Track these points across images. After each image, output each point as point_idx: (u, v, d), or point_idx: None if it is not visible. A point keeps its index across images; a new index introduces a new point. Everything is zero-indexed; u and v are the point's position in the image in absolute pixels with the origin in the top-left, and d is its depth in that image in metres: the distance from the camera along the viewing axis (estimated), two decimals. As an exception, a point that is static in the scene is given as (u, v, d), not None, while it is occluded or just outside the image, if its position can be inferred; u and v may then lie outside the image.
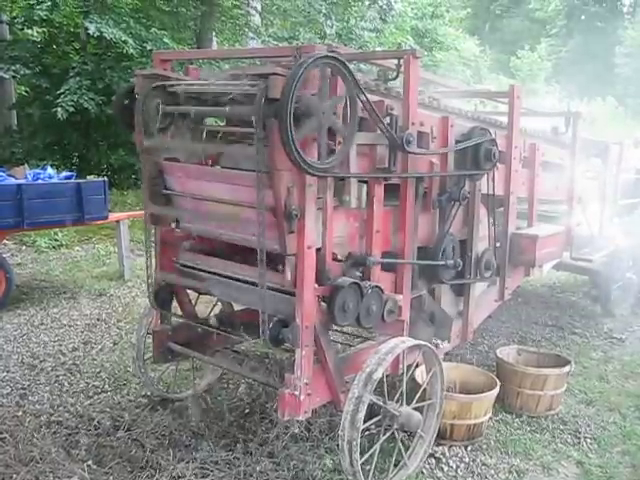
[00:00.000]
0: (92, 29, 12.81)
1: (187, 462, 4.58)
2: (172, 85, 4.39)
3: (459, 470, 4.73)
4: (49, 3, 13.07)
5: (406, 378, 4.50)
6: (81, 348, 6.89)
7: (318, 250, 4.16)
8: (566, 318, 8.31)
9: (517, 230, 6.03)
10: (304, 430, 4.99)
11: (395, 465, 4.51)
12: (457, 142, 5.11)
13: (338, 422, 4.21)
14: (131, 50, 13.25)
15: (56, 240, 11.74)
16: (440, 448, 4.93)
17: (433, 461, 4.80)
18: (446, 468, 4.74)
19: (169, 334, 5.19)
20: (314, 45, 4.02)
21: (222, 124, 4.63)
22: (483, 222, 5.54)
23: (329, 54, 3.79)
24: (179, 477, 4.38)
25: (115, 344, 7.01)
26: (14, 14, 15.31)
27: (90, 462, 4.58)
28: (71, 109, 12.97)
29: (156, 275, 5.01)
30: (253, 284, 4.25)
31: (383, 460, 4.57)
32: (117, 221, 9.60)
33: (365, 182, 4.53)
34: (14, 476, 4.32)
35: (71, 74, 13.49)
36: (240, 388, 5.81)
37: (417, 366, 4.85)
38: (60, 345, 6.97)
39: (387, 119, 4.34)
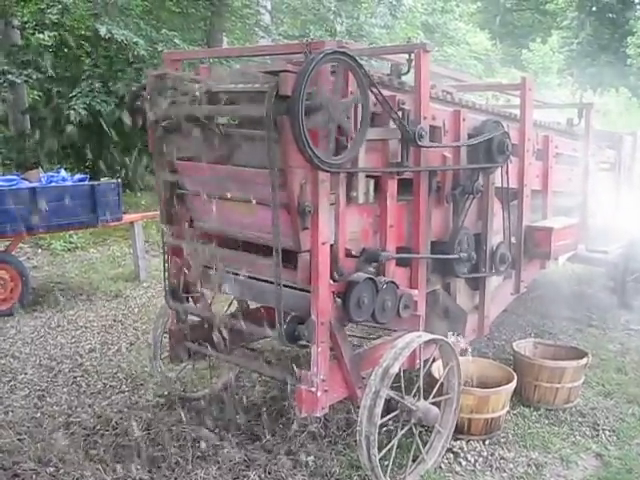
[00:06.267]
0: (103, 31, 12.85)
1: (205, 461, 4.60)
2: (183, 85, 4.39)
3: (477, 464, 4.72)
4: (60, 7, 13.16)
5: (423, 373, 4.49)
6: (98, 349, 6.92)
7: (332, 246, 4.15)
8: (582, 311, 8.26)
9: (532, 223, 6.01)
10: (321, 427, 4.99)
11: (413, 460, 4.51)
12: (469, 135, 5.10)
13: (356, 419, 4.21)
14: (142, 52, 13.28)
15: (71, 242, 11.78)
16: (458, 442, 4.92)
17: (451, 455, 4.79)
18: (464, 462, 4.73)
19: (185, 333, 5.20)
20: (324, 41, 3.99)
21: (235, 122, 4.61)
22: (497, 215, 5.52)
23: (339, 49, 3.77)
24: (197, 476, 4.38)
25: (132, 345, 7.03)
26: (25, 19, 15.37)
27: (108, 462, 4.60)
28: (84, 112, 13.02)
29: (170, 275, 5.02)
30: (268, 282, 4.25)
31: (401, 455, 4.57)
32: (131, 222, 9.64)
33: (374, 177, 4.52)
34: (33, 477, 4.35)
35: (83, 77, 13.53)
36: (257, 386, 5.82)
37: (434, 361, 4.84)
38: (77, 347, 7.00)
39: (399, 113, 4.32)
